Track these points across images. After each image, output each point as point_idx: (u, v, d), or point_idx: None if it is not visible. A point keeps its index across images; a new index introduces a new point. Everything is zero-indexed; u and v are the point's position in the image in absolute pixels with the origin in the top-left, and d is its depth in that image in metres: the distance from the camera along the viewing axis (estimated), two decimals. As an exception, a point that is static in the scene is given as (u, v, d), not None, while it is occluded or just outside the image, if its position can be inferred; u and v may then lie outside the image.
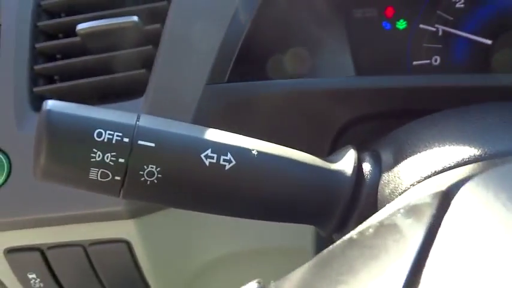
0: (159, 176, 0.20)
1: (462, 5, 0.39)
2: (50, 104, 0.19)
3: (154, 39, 0.37)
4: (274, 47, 0.37)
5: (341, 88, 0.35)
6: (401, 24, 0.40)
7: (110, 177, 0.19)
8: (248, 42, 0.35)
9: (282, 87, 0.35)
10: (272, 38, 0.37)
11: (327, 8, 0.38)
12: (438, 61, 0.40)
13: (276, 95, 0.34)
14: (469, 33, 0.39)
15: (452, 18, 0.39)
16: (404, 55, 0.40)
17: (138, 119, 0.20)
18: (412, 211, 0.17)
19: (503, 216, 0.15)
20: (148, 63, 0.37)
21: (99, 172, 0.19)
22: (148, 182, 0.20)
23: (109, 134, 0.19)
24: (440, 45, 0.40)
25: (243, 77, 0.36)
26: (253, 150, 0.21)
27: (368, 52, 0.40)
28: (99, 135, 0.19)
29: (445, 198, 0.17)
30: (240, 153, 0.20)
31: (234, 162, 0.20)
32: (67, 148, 0.18)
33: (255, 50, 0.36)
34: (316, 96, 0.35)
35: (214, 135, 0.21)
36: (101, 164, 0.19)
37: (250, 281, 0.17)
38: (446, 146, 0.23)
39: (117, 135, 0.19)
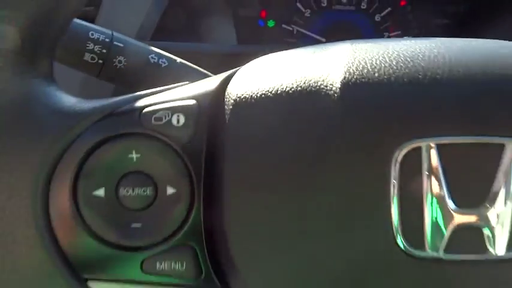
0: (124, 63, 0.33)
1: (309, 15, 0.59)
2: None
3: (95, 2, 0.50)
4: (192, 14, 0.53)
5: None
6: (271, 23, 0.59)
7: (96, 60, 0.32)
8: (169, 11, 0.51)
9: (183, 48, 0.51)
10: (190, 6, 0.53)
11: (221, 5, 0.56)
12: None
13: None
14: (312, 33, 0.59)
15: (302, 22, 0.59)
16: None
17: (112, 33, 0.33)
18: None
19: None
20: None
21: (90, 56, 0.32)
22: (118, 67, 0.33)
23: (97, 35, 0.32)
24: (294, 40, 0.59)
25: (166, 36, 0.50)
26: (177, 60, 0.35)
27: (246, 39, 0.58)
28: (92, 34, 0.32)
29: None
30: (171, 59, 0.35)
31: (166, 63, 0.34)
32: (73, 40, 0.31)
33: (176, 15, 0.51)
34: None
35: (157, 49, 0.36)
36: (92, 50, 0.32)
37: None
38: None
39: (103, 37, 0.32)
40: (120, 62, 0.33)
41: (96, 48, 0.32)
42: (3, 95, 0.21)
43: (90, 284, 0.21)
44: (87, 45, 0.32)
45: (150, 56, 0.34)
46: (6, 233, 0.21)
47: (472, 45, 0.21)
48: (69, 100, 0.21)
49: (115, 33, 0.33)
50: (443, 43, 0.21)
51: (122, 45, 0.33)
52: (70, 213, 0.20)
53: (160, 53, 0.35)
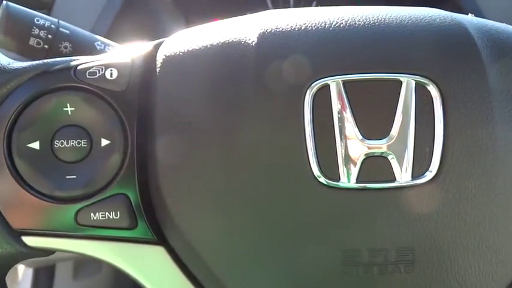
0: (70, 49, 0.34)
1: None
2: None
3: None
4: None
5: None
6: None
7: (41, 45, 0.33)
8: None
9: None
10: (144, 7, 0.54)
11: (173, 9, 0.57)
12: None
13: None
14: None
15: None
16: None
17: (58, 20, 0.35)
18: None
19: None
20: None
21: (35, 41, 0.33)
22: (63, 52, 0.34)
23: (43, 21, 0.33)
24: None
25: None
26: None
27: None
28: (38, 20, 0.33)
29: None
30: (117, 47, 0.36)
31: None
32: (19, 25, 0.32)
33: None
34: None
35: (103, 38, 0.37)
36: (37, 36, 0.33)
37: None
38: None
39: (48, 23, 0.33)
40: (65, 47, 0.34)
41: (42, 33, 0.33)
42: None
43: (25, 238, 0.22)
44: (33, 30, 0.33)
45: (96, 43, 0.35)
46: None
47: (374, 7, 0.23)
48: (4, 59, 0.22)
49: (61, 21, 0.34)
50: (351, 7, 0.23)
51: (67, 31, 0.34)
52: (4, 165, 0.21)
53: (107, 42, 0.36)
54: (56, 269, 0.91)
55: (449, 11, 0.24)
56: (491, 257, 0.21)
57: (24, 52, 0.35)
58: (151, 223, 0.22)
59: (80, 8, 0.51)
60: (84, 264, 0.97)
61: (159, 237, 0.22)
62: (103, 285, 1.02)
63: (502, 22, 0.25)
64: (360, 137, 0.20)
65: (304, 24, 0.22)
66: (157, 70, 0.22)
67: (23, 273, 0.96)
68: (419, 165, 0.20)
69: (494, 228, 0.21)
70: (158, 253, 0.22)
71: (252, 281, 0.21)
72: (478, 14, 0.52)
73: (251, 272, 0.21)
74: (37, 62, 0.23)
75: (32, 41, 0.33)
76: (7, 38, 0.32)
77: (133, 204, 0.22)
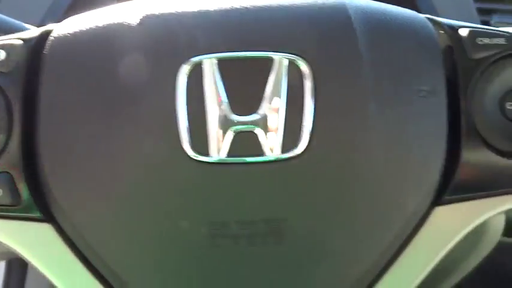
0: None
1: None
2: None
3: None
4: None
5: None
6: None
7: None
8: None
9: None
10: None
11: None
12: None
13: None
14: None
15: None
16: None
17: None
18: None
19: None
20: None
21: None
22: None
23: None
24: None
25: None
26: None
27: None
28: None
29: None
30: None
31: None
32: None
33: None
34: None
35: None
36: None
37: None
38: None
39: None
40: None
41: None
42: None
43: None
44: None
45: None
46: None
47: None
48: None
49: None
50: None
51: None
52: None
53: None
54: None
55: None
56: (358, 229, 0.22)
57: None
58: (37, 201, 0.23)
59: (28, 3, 0.52)
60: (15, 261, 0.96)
61: (46, 215, 0.23)
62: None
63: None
64: (231, 113, 0.21)
65: (184, 7, 0.22)
66: (45, 53, 0.23)
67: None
68: (289, 140, 0.21)
69: (359, 203, 0.21)
70: (46, 230, 0.23)
71: (132, 258, 0.22)
72: (433, 13, 0.53)
73: (130, 249, 0.22)
74: None
75: None
76: None
77: (16, 182, 0.22)
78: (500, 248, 0.60)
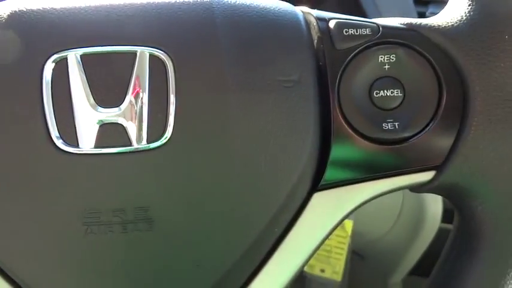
0: None
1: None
2: None
3: None
4: None
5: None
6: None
7: None
8: None
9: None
10: None
11: None
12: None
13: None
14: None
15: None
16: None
17: None
18: None
19: None
20: None
21: None
22: None
23: None
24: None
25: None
26: None
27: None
28: None
29: None
30: None
31: None
32: None
33: None
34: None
35: None
36: None
37: None
38: None
39: None
40: None
41: None
42: None
43: None
44: None
45: None
46: None
47: None
48: None
49: None
50: None
51: None
52: None
53: None
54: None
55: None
56: (226, 217, 0.23)
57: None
58: None
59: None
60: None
61: None
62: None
63: None
64: (95, 105, 0.22)
65: (50, 5, 0.23)
66: None
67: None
68: (154, 131, 0.22)
69: (225, 191, 0.22)
70: None
71: (17, 251, 0.23)
72: (376, 13, 0.54)
73: (10, 241, 0.23)
74: None
75: None
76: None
77: None
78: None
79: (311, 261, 0.55)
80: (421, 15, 0.54)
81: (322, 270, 0.53)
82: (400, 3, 0.55)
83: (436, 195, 0.28)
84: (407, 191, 0.35)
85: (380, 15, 0.56)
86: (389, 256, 0.67)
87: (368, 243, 0.64)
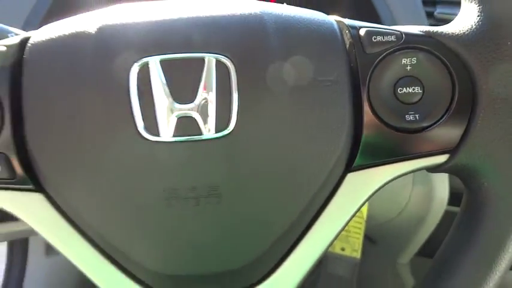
0: None
1: None
2: None
3: None
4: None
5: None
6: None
7: None
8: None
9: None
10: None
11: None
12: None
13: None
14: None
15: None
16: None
17: None
18: None
19: None
20: None
21: None
22: None
23: None
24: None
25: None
26: None
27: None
28: None
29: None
30: None
31: None
32: None
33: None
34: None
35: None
36: None
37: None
38: None
39: None
40: None
41: None
42: None
43: None
44: None
45: (9, 35, 0.41)
46: None
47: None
48: None
49: None
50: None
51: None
52: None
53: (20, 32, 0.42)
54: (29, 244, 0.98)
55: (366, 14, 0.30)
56: (280, 191, 0.28)
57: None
58: (29, 175, 0.29)
59: (10, 7, 0.57)
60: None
61: (37, 186, 0.29)
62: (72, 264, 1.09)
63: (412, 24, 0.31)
64: (173, 102, 0.27)
65: (137, 16, 0.28)
66: (25, 57, 0.28)
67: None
68: (220, 123, 0.27)
69: (279, 170, 0.27)
70: (38, 199, 0.29)
71: (109, 220, 0.28)
72: (389, 16, 0.58)
73: (106, 213, 0.28)
74: None
75: None
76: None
77: (11, 160, 0.28)
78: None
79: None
80: (429, 14, 0.58)
81: (343, 249, 0.58)
82: (411, 7, 0.60)
83: (444, 180, 0.33)
84: (417, 176, 0.40)
85: (393, 18, 0.60)
86: (399, 238, 0.72)
87: (379, 226, 0.69)
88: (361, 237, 0.57)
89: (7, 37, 0.42)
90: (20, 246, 0.99)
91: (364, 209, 0.56)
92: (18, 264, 0.98)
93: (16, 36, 0.30)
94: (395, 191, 0.59)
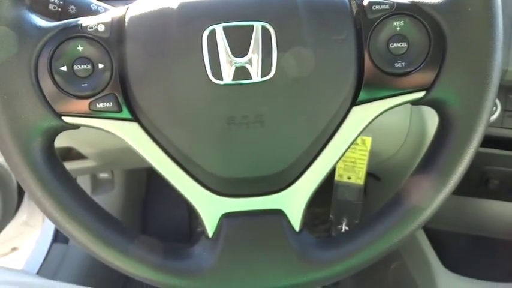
0: (75, 10, 0.52)
1: None
2: None
3: None
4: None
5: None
6: None
7: (56, 8, 0.50)
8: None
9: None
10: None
11: None
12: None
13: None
14: None
15: None
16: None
17: None
18: None
19: None
20: None
21: (52, 6, 0.50)
22: (70, 12, 0.52)
23: None
24: None
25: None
26: (110, 7, 0.55)
27: None
28: None
29: None
30: (106, 7, 0.54)
31: (103, 10, 0.54)
32: None
33: None
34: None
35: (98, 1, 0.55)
36: (53, 3, 0.50)
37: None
38: None
39: None
40: (72, 9, 0.51)
41: (56, 0, 0.51)
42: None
43: (63, 118, 0.41)
44: None
45: (91, 5, 0.53)
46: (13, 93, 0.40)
47: None
48: (42, 21, 0.41)
49: None
50: None
51: None
52: (48, 79, 0.40)
53: (99, 3, 0.54)
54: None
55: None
56: (304, 118, 0.40)
57: (45, 14, 0.52)
58: (130, 109, 0.41)
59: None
60: (99, 182, 1.19)
61: (135, 117, 0.41)
62: (115, 201, 1.25)
63: None
64: (232, 56, 0.38)
65: None
66: (125, 24, 0.40)
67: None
68: (265, 71, 0.39)
69: (305, 103, 0.40)
70: (136, 127, 0.41)
71: (186, 139, 0.40)
72: None
73: (182, 132, 0.40)
74: (60, 22, 0.41)
75: (51, 6, 0.51)
76: (34, 5, 0.50)
77: (119, 98, 0.40)
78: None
79: (340, 172, 0.73)
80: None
81: (349, 178, 0.71)
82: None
83: (436, 120, 0.44)
84: (414, 118, 0.51)
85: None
86: (400, 173, 0.85)
87: (382, 163, 0.81)
88: (364, 166, 0.69)
89: (90, 7, 0.53)
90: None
91: (368, 142, 0.69)
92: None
93: (120, 7, 0.42)
94: (395, 130, 0.71)
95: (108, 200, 1.17)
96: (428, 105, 0.43)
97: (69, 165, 0.81)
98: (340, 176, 0.71)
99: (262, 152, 0.41)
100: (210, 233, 0.43)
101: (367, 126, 0.43)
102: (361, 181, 0.70)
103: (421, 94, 0.41)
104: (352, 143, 0.43)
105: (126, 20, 0.41)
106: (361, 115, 0.42)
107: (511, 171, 0.77)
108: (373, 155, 0.73)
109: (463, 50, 0.40)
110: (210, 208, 0.43)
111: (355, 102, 0.41)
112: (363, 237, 0.43)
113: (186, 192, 0.42)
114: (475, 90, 0.40)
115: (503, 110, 0.70)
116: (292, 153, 0.41)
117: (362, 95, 0.41)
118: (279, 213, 0.43)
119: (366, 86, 0.41)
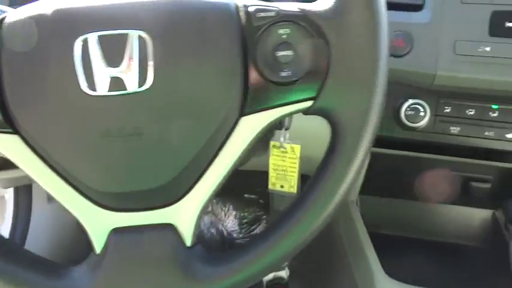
0: None
1: None
2: None
3: None
4: None
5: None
6: None
7: None
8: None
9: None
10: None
11: None
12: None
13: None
14: None
15: None
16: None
17: None
18: None
19: None
20: None
21: None
22: None
23: None
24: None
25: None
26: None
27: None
28: None
29: None
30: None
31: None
32: None
33: None
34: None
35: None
36: None
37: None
38: None
39: None
40: None
41: None
42: None
43: None
44: None
45: None
46: None
47: None
48: None
49: None
50: None
51: None
52: None
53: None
54: (32, 190, 1.10)
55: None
56: (187, 129, 0.38)
57: None
58: (8, 121, 0.39)
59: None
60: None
61: (14, 129, 0.40)
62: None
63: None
64: (106, 66, 0.37)
65: (84, 3, 0.38)
66: (1, 32, 0.39)
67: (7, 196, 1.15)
68: (142, 80, 0.37)
69: (185, 114, 0.38)
70: (16, 140, 0.40)
71: (61, 150, 0.39)
72: None
73: (60, 146, 0.39)
74: None
75: None
76: None
77: None
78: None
79: (273, 180, 0.72)
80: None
81: (282, 186, 0.69)
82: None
83: None
84: None
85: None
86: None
87: (314, 164, 0.80)
88: (295, 174, 0.68)
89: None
90: (24, 194, 1.11)
91: (297, 150, 0.67)
92: (23, 210, 1.10)
93: None
94: (321, 132, 0.70)
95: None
96: (318, 114, 0.42)
97: (8, 174, 0.79)
98: (273, 185, 0.70)
99: (142, 165, 0.39)
100: (98, 249, 0.41)
101: (259, 135, 0.41)
102: (294, 189, 0.68)
103: (308, 103, 0.40)
104: (244, 153, 0.42)
105: (2, 27, 0.39)
106: (250, 125, 0.41)
107: (446, 174, 0.77)
108: (305, 160, 0.71)
109: (346, 58, 0.39)
110: (98, 223, 0.41)
111: (243, 112, 0.40)
112: (254, 250, 0.41)
113: (71, 207, 0.41)
114: (360, 99, 0.39)
115: (434, 115, 0.69)
116: (175, 166, 0.40)
117: (249, 105, 0.40)
118: (169, 228, 0.41)
119: (252, 96, 0.40)
